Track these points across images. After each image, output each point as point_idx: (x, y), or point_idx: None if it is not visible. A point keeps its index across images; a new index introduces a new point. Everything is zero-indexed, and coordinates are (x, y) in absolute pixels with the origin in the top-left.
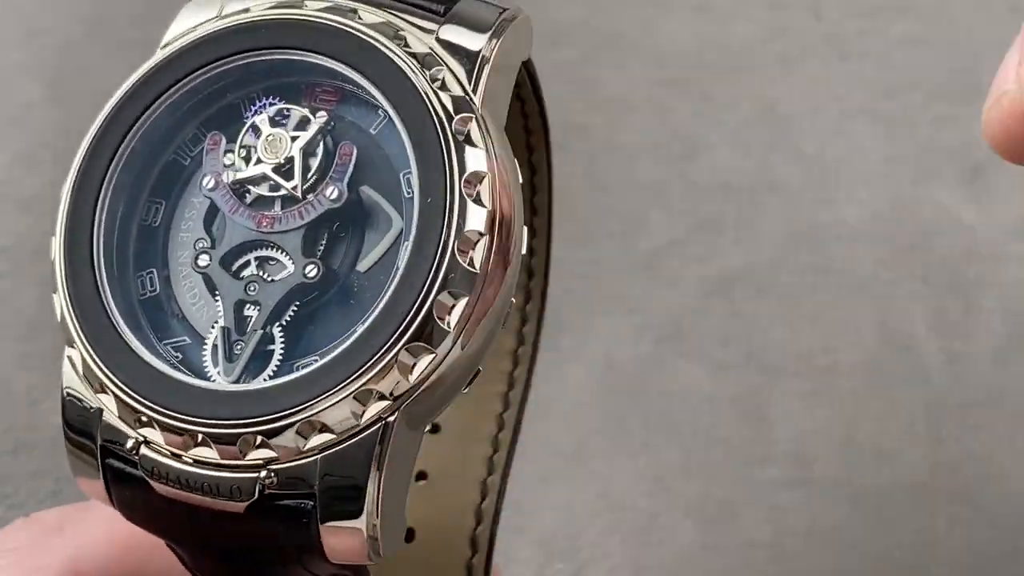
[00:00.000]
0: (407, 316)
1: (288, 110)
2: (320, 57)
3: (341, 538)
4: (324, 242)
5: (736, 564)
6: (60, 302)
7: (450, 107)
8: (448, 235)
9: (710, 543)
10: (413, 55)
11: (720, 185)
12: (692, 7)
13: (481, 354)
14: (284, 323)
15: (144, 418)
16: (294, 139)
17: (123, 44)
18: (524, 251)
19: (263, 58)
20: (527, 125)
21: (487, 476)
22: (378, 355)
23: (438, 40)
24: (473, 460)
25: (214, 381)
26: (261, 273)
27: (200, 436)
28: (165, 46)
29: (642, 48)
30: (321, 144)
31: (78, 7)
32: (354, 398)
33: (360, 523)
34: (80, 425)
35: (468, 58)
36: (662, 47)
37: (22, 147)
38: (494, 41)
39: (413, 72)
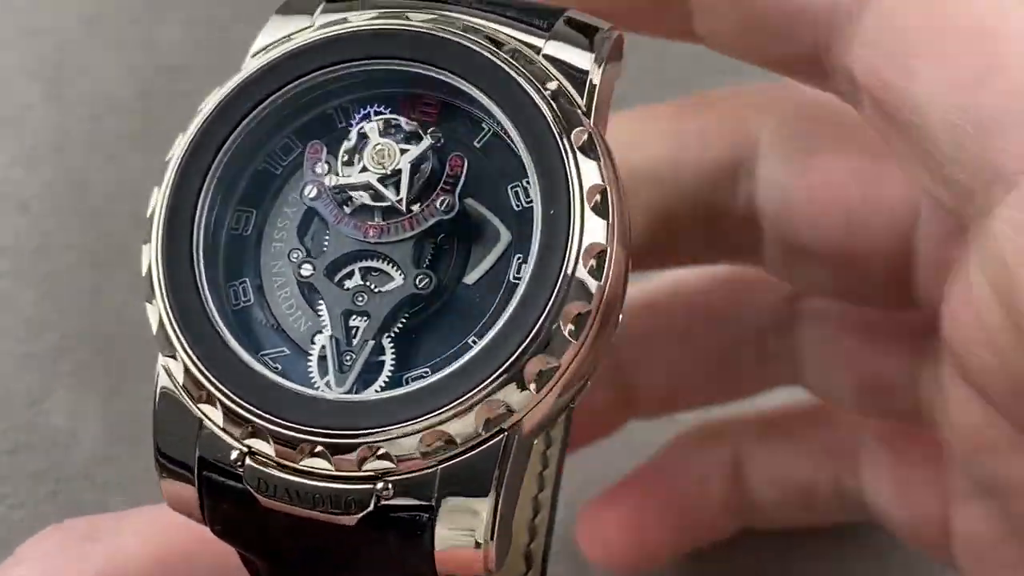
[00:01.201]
0: (533, 327)
1: (396, 120)
2: (428, 68)
3: (455, 552)
4: (432, 254)
5: None
6: (159, 312)
7: (564, 120)
8: (572, 247)
9: None
10: (525, 68)
11: None
12: None
13: (597, 363)
14: (393, 334)
15: (253, 428)
16: (403, 152)
17: (122, 43)
18: None
19: (366, 68)
20: None
21: (538, 492)
22: (505, 365)
23: (544, 56)
24: (526, 478)
25: (323, 391)
26: (368, 283)
27: (316, 447)
28: (255, 55)
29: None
30: (430, 161)
31: (77, 7)
32: (480, 408)
33: (477, 536)
34: (175, 437)
35: (575, 73)
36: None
37: (22, 147)
38: (599, 58)
39: (528, 84)
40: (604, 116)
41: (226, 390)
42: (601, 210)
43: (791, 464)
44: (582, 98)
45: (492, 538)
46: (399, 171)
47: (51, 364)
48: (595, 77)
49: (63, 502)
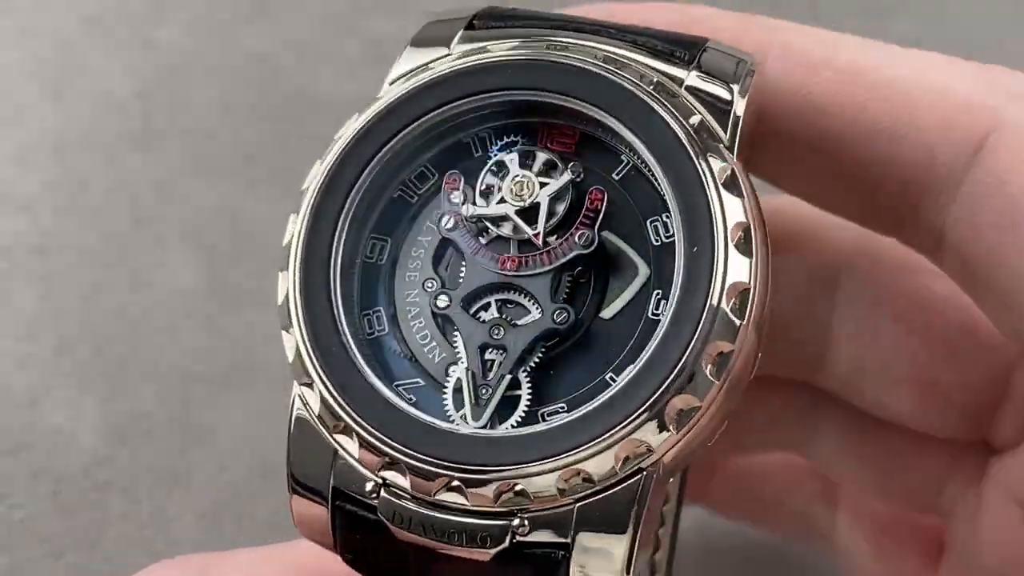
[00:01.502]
0: (676, 366)
1: (535, 153)
2: (570, 100)
3: None
4: (568, 287)
5: None
6: (295, 341)
7: (708, 155)
8: (715, 285)
9: None
10: (668, 101)
11: None
12: None
13: (734, 405)
14: (530, 368)
15: (389, 460)
16: (543, 185)
17: (122, 44)
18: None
19: (507, 98)
20: None
21: (663, 504)
22: (646, 405)
23: (687, 87)
24: None
25: (458, 425)
26: (504, 316)
27: (452, 481)
28: (393, 82)
29: None
30: (569, 193)
31: (77, 7)
32: (619, 447)
33: (614, 574)
34: (310, 465)
35: (720, 106)
36: None
37: (21, 147)
38: (742, 92)
39: (672, 118)
40: (746, 149)
41: (363, 422)
42: (745, 248)
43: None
44: (725, 131)
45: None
46: (537, 204)
47: (51, 364)
48: (739, 109)
49: (63, 502)
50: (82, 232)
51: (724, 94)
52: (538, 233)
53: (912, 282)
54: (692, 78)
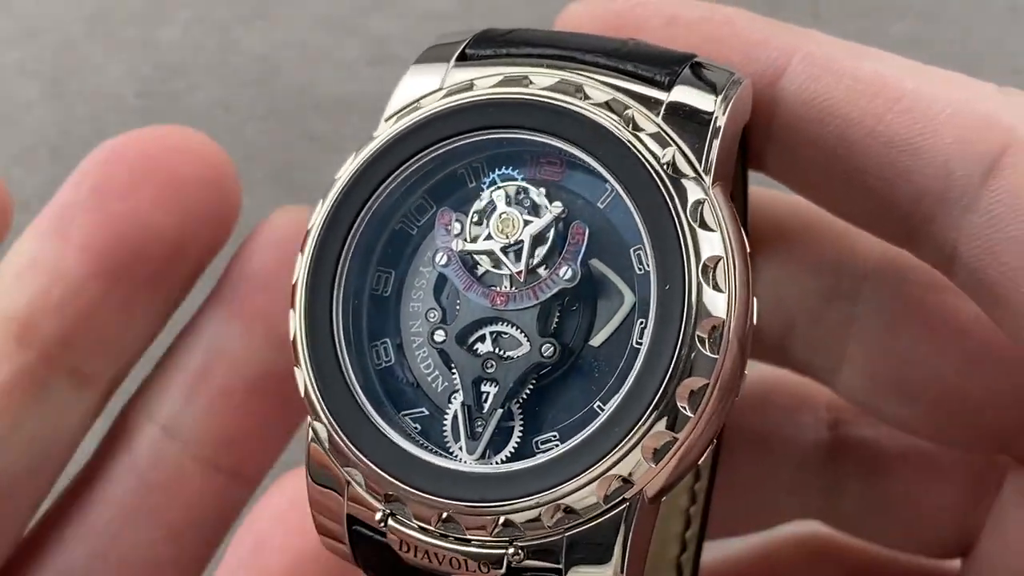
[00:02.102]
0: (651, 403)
1: (525, 188)
2: (550, 138)
3: None
4: (557, 318)
5: None
6: (303, 377)
7: (683, 190)
8: (688, 322)
9: None
10: (643, 136)
11: None
12: None
13: (718, 429)
14: (521, 400)
15: (391, 493)
16: (527, 223)
17: (122, 44)
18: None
19: (491, 136)
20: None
21: (690, 506)
22: (622, 442)
23: (668, 105)
24: (677, 490)
25: (457, 457)
26: (496, 350)
27: (447, 514)
28: (388, 118)
29: None
30: (552, 232)
31: (77, 7)
32: (599, 483)
33: None
34: (326, 493)
35: (700, 120)
36: None
37: (21, 147)
38: (724, 106)
39: (646, 154)
40: (728, 167)
41: (364, 458)
42: (719, 283)
43: None
44: (702, 158)
45: None
46: (521, 242)
47: None
48: (720, 120)
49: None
50: None
51: (706, 106)
52: (520, 271)
53: (938, 300)
54: (675, 93)
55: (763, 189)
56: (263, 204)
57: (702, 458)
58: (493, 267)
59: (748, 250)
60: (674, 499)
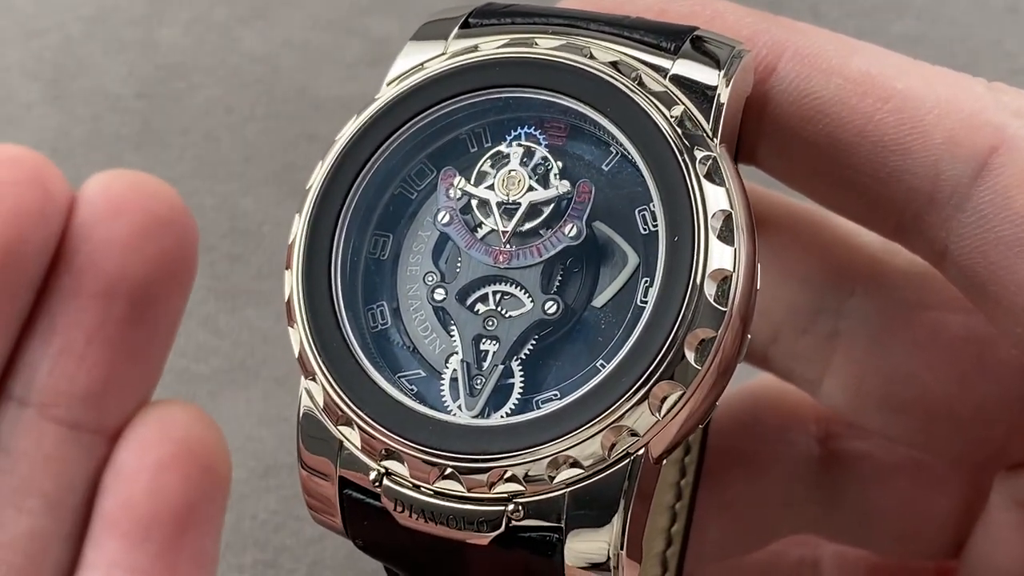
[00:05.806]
0: (658, 354)
1: (545, 160)
2: (557, 95)
3: (586, 571)
4: (560, 277)
5: None
6: (299, 336)
7: (691, 146)
8: (697, 273)
9: None
10: (651, 94)
11: None
12: None
13: (723, 388)
14: (523, 358)
15: (389, 451)
16: (531, 189)
17: (123, 44)
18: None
19: (497, 95)
20: None
21: (675, 503)
22: (630, 392)
23: (672, 77)
24: (663, 487)
25: (454, 415)
26: (498, 308)
27: (448, 469)
28: (391, 83)
29: None
30: (550, 208)
31: (77, 7)
32: (605, 434)
33: (605, 556)
34: (318, 455)
35: (704, 94)
36: None
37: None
38: (727, 78)
39: (654, 111)
40: (733, 134)
41: (362, 413)
42: (726, 236)
43: None
44: (709, 120)
45: (622, 559)
46: (518, 205)
47: None
48: (723, 95)
49: None
50: None
51: (710, 80)
52: (505, 232)
53: (925, 317)
54: (678, 66)
55: (753, 193)
56: (263, 204)
57: (706, 420)
58: (482, 215)
59: (752, 210)
60: (659, 495)
